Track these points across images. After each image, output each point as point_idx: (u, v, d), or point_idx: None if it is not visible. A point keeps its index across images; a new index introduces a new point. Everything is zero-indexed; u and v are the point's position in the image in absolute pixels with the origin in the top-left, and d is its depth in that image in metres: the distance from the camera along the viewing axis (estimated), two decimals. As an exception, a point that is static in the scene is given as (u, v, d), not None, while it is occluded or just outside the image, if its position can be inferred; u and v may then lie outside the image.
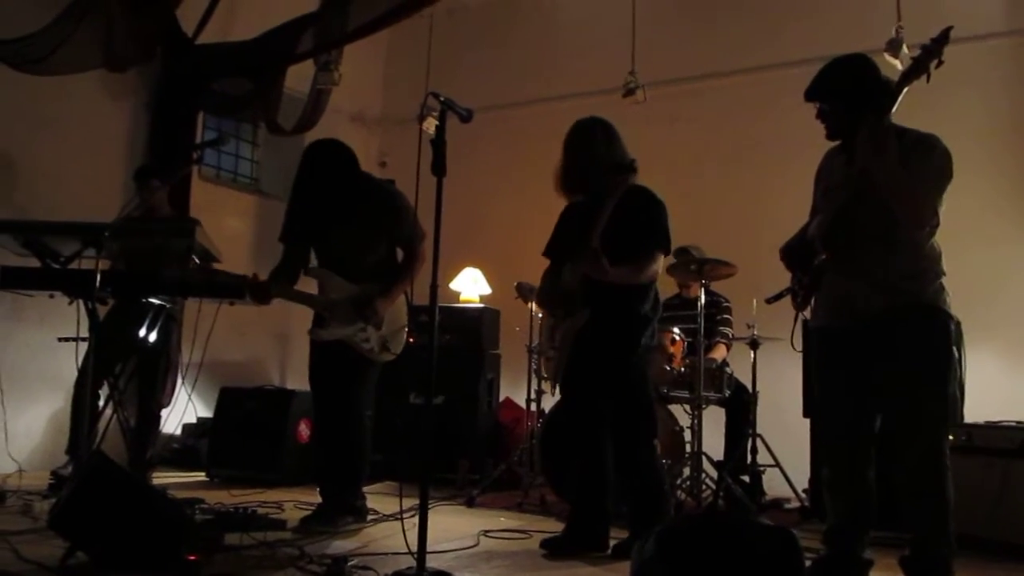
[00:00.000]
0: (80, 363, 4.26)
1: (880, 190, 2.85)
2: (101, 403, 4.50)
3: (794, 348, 3.46)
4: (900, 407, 2.92)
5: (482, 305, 6.63)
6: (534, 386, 5.45)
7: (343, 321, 4.03)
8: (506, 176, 7.40)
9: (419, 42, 7.61)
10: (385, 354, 4.09)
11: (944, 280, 2.96)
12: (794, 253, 3.26)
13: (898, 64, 5.22)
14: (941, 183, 2.88)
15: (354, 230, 4.10)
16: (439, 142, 3.01)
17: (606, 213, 3.50)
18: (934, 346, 2.89)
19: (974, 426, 4.11)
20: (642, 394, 3.71)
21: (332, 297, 4.08)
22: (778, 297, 3.62)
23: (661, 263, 3.69)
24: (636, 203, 3.65)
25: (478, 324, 6.27)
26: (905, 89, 2.78)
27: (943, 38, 2.69)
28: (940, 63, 2.70)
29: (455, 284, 7.13)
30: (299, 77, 6.75)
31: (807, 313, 3.29)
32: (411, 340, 6.08)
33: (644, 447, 3.64)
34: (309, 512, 4.04)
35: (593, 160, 3.62)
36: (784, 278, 3.51)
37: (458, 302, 6.91)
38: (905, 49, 5.32)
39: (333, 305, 4.06)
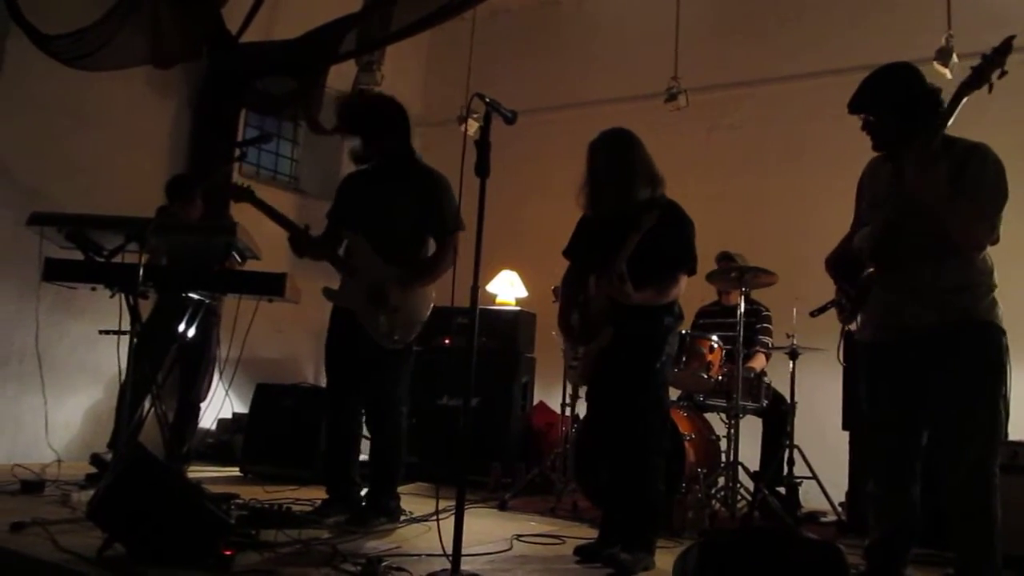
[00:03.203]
0: (127, 357, 4.31)
1: (933, 213, 2.79)
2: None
3: (840, 362, 3.40)
4: (949, 423, 2.85)
5: (518, 308, 6.61)
6: (568, 391, 5.42)
7: (357, 294, 4.03)
8: (545, 179, 7.36)
9: (460, 44, 7.60)
10: (389, 340, 4.02)
11: (996, 293, 2.89)
12: (840, 265, 3.20)
13: (947, 73, 5.14)
14: (998, 202, 2.81)
15: (396, 202, 4.10)
16: (483, 143, 3.00)
17: (634, 241, 3.39)
18: (987, 361, 2.82)
19: (1020, 444, 4.01)
20: (660, 402, 3.65)
21: (356, 265, 4.08)
22: (823, 310, 3.55)
23: (684, 283, 3.61)
24: (666, 221, 3.51)
25: (514, 327, 6.25)
26: (964, 100, 2.70)
27: (1005, 47, 2.61)
28: (1003, 73, 2.62)
29: (492, 286, 7.11)
30: (341, 76, 6.77)
31: (852, 325, 3.23)
32: (447, 342, 6.12)
33: (654, 455, 3.57)
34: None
35: (634, 175, 3.53)
36: (825, 287, 3.45)
37: (494, 304, 6.89)
38: (955, 58, 5.23)
39: (355, 272, 4.07)
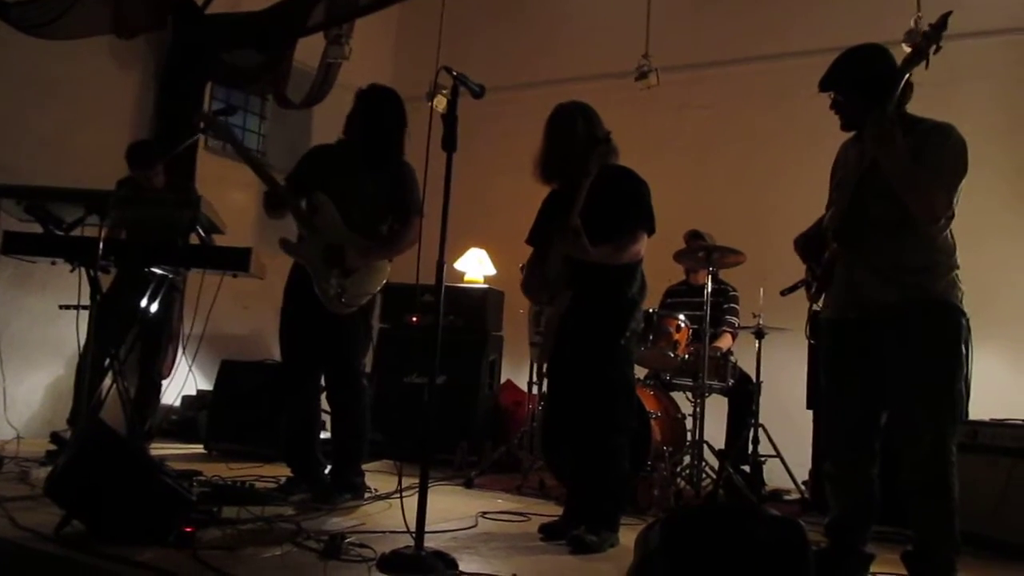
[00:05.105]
0: (86, 331, 4.24)
1: (890, 182, 2.80)
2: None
3: (808, 339, 3.42)
4: (907, 403, 2.87)
5: (486, 286, 6.59)
6: (536, 369, 5.42)
7: (314, 252, 4.01)
8: (515, 157, 7.23)
9: (430, 19, 7.52)
10: (336, 303, 3.99)
11: (957, 274, 2.91)
12: (809, 244, 3.22)
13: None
14: (956, 175, 2.83)
15: (363, 177, 4.08)
16: (451, 116, 2.96)
17: (584, 190, 3.44)
18: (944, 342, 2.84)
19: (979, 423, 4.07)
20: (625, 380, 3.65)
21: (317, 223, 4.05)
22: (793, 289, 3.58)
23: (645, 243, 3.61)
24: (618, 182, 3.59)
25: (482, 305, 6.23)
26: (906, 76, 2.77)
27: (942, 24, 2.69)
28: (938, 48, 2.70)
29: (460, 264, 7.09)
30: (309, 50, 6.69)
31: (818, 304, 3.25)
32: (414, 320, 6.09)
33: (619, 434, 3.57)
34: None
35: (573, 144, 3.55)
36: (792, 267, 3.47)
37: (462, 282, 6.87)
38: (924, 40, 5.25)
39: (316, 230, 4.03)
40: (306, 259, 4.02)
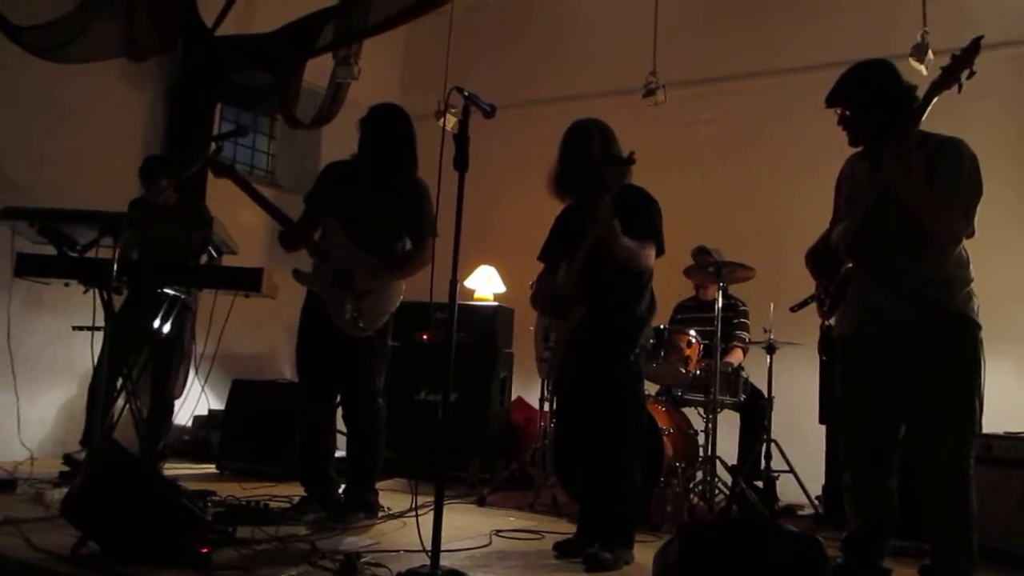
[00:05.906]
0: (98, 352, 4.26)
1: (909, 205, 2.81)
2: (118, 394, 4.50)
3: (821, 356, 3.41)
4: (925, 416, 2.88)
5: (496, 303, 6.60)
6: (547, 386, 5.42)
7: (325, 279, 4.02)
8: (523, 175, 7.26)
9: (438, 38, 7.56)
10: (354, 327, 4.00)
11: (973, 287, 2.92)
12: (819, 260, 3.22)
13: (923, 70, 5.17)
14: (972, 195, 2.84)
15: (377, 196, 4.09)
16: (462, 136, 2.98)
17: (610, 203, 3.39)
18: (961, 355, 2.85)
19: (993, 437, 4.05)
20: (635, 396, 3.65)
21: (327, 249, 4.07)
22: (803, 305, 3.57)
23: (653, 259, 3.62)
24: (631, 201, 3.58)
25: (492, 322, 6.24)
26: (934, 100, 2.74)
27: (974, 47, 2.66)
28: (972, 73, 2.66)
29: (470, 282, 7.10)
30: (318, 71, 6.72)
31: (831, 320, 3.25)
32: (425, 337, 6.10)
33: (631, 450, 3.56)
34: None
35: (589, 160, 3.56)
36: (802, 282, 3.47)
37: (472, 300, 6.88)
38: (931, 54, 5.26)
39: (326, 257, 4.05)
40: (319, 287, 4.04)
